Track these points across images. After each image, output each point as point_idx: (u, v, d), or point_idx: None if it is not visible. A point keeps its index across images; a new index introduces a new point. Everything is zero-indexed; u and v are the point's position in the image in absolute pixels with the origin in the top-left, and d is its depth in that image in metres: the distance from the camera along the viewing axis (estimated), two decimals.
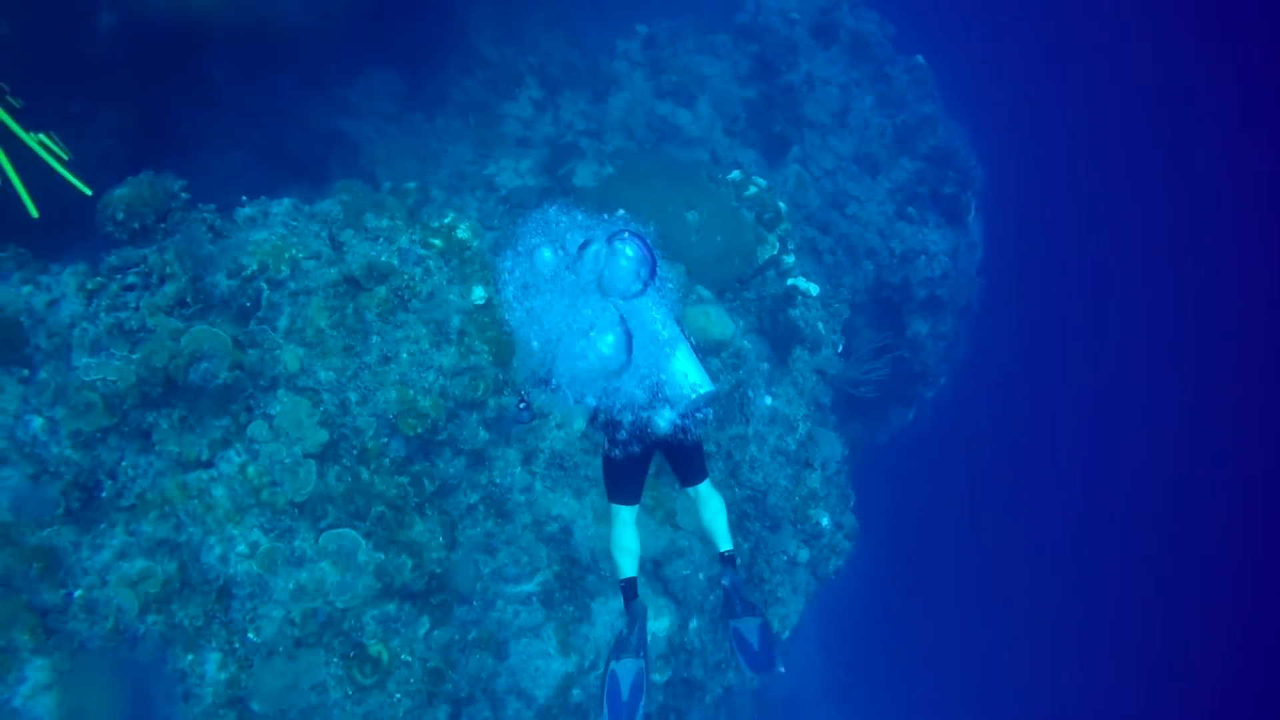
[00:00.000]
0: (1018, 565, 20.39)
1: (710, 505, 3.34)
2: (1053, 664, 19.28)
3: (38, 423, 4.15)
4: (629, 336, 2.64)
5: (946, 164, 11.99)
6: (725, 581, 3.27)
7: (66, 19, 7.22)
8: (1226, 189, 22.69)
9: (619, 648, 3.07)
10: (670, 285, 2.95)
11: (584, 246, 2.74)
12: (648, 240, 2.79)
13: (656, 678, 6.71)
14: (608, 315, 2.64)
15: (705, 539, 3.40)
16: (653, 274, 2.76)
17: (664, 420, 3.00)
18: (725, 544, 3.29)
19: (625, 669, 3.02)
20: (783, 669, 3.07)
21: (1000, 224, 13.78)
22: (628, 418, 3.00)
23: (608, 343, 2.59)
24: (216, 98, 8.08)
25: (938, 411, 13.47)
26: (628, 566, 3.26)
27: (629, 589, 3.25)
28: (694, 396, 3.09)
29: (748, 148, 10.51)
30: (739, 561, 3.59)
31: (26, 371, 4.37)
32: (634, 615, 3.16)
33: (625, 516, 3.26)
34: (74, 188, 3.39)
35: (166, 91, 7.82)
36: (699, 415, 3.13)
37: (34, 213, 2.91)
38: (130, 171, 6.34)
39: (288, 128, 8.62)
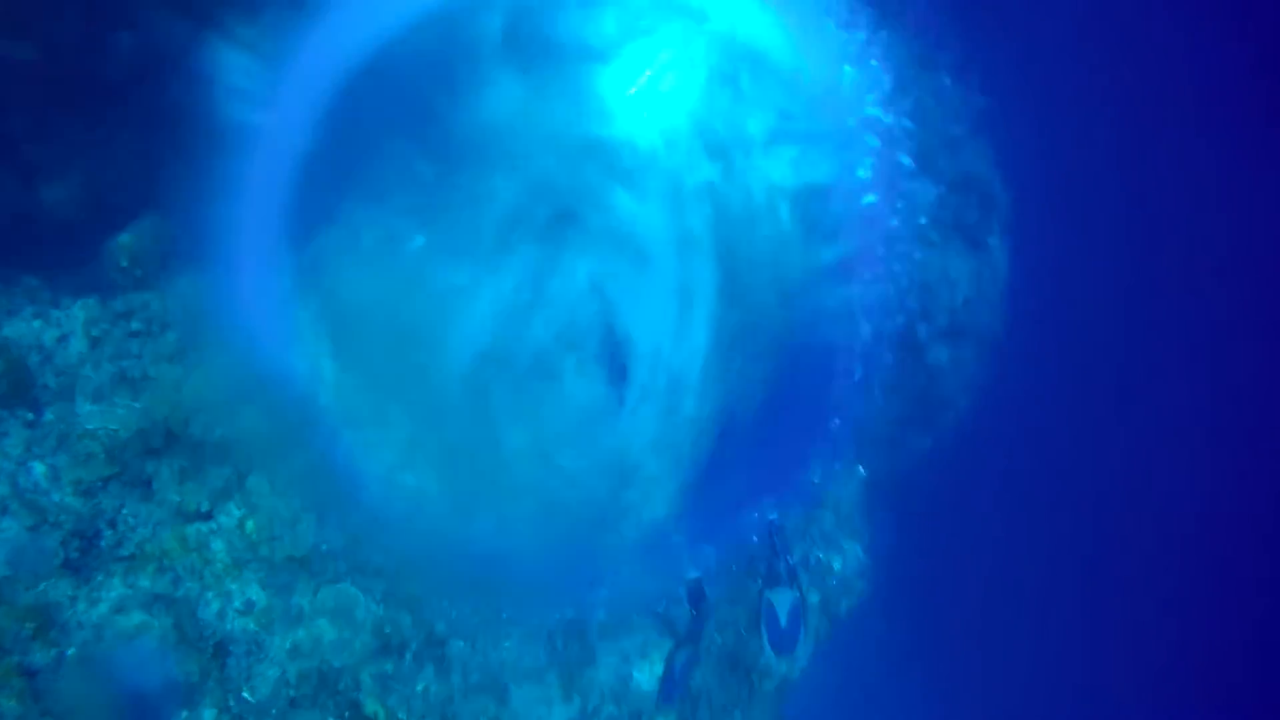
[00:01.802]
0: (1039, 588, 19.97)
1: None
2: (1078, 689, 18.86)
3: (40, 469, 4.13)
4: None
5: (971, 187, 11.72)
6: (768, 536, 3.27)
7: (89, 41, 7.24)
8: (1276, 206, 21.94)
9: (686, 642, 3.22)
10: None
11: None
12: None
13: None
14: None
15: None
16: None
17: None
18: (770, 514, 3.34)
19: (678, 658, 3.26)
20: (802, 654, 3.11)
21: (1027, 247, 13.46)
22: None
23: None
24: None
25: (958, 438, 13.20)
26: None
27: (695, 589, 3.28)
28: None
29: None
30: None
31: (32, 415, 4.35)
32: (701, 614, 3.31)
33: None
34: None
35: (180, 106, 7.83)
36: None
37: None
38: (146, 195, 6.30)
39: None
